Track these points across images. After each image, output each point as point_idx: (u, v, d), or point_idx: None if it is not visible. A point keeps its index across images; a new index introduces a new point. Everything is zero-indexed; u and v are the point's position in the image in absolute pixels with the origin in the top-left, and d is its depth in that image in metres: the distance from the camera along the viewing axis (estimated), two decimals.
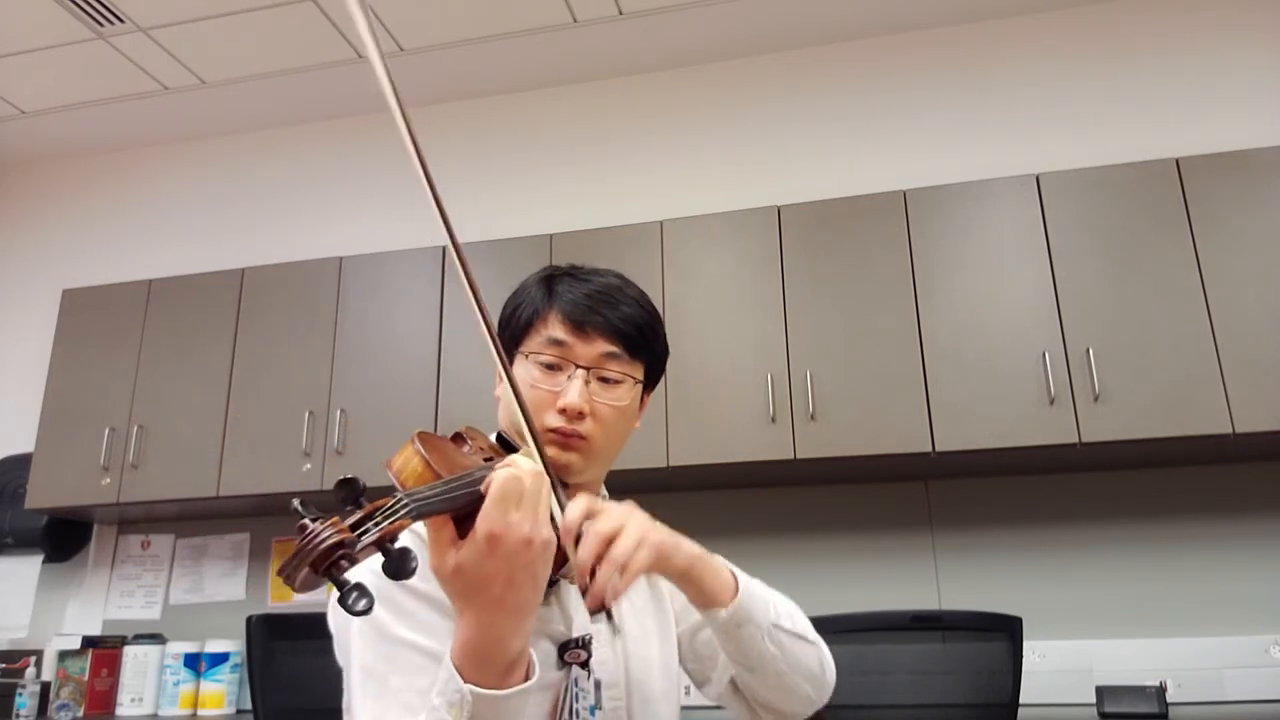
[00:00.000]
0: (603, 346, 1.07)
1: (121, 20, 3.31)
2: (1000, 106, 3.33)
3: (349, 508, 0.72)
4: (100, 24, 3.32)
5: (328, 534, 0.67)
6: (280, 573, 0.68)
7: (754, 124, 3.54)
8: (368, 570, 0.73)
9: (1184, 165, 2.75)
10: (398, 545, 0.72)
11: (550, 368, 1.06)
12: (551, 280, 1.11)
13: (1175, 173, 2.75)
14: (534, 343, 1.08)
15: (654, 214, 3.18)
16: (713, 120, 3.58)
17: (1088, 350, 2.63)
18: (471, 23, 3.40)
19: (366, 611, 0.67)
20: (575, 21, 3.40)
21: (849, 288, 2.87)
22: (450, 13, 3.34)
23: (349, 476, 0.73)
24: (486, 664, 0.82)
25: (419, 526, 0.81)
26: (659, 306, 1.16)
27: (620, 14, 3.36)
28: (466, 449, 1.02)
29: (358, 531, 0.70)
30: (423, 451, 0.87)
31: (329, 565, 0.67)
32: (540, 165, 3.69)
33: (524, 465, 0.85)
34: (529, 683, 0.85)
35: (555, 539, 0.85)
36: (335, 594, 0.67)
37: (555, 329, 1.07)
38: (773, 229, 2.98)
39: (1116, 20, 3.33)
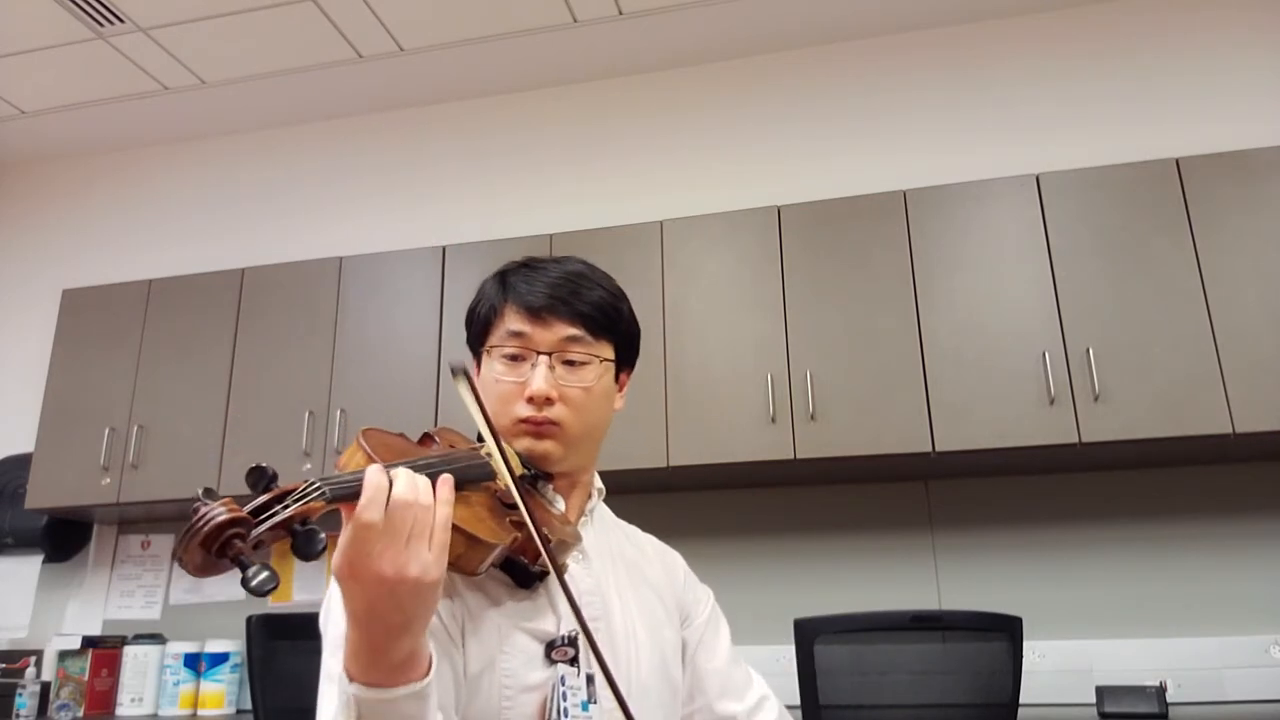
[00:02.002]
0: (563, 330, 1.07)
1: (121, 20, 3.30)
2: (1000, 106, 3.33)
3: (257, 492, 0.72)
4: (100, 24, 3.32)
5: (218, 512, 0.67)
6: (174, 558, 0.68)
7: (754, 124, 3.54)
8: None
9: (1184, 165, 2.75)
10: (307, 526, 0.71)
11: (514, 359, 1.07)
12: (505, 275, 1.12)
13: (1175, 173, 2.75)
14: (495, 338, 1.09)
15: (654, 214, 3.18)
16: (713, 120, 3.58)
17: (1088, 350, 2.63)
18: (471, 23, 3.40)
19: (272, 588, 0.66)
20: (575, 21, 3.40)
21: (849, 288, 2.87)
22: (450, 13, 3.34)
23: (260, 465, 0.73)
24: (371, 664, 0.78)
25: None
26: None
27: (620, 14, 3.36)
28: (435, 448, 1.01)
29: (262, 514, 0.70)
30: (365, 446, 0.87)
31: (221, 544, 0.66)
32: (540, 165, 3.68)
33: (401, 486, 0.77)
34: (419, 685, 0.79)
35: (436, 578, 0.77)
36: (240, 576, 0.66)
37: (513, 321, 1.07)
38: (773, 229, 2.98)
39: (1116, 20, 3.33)
